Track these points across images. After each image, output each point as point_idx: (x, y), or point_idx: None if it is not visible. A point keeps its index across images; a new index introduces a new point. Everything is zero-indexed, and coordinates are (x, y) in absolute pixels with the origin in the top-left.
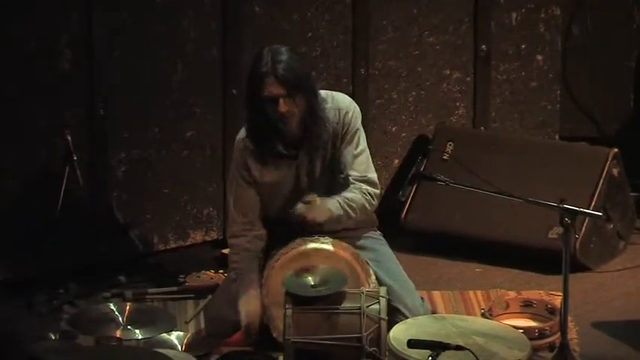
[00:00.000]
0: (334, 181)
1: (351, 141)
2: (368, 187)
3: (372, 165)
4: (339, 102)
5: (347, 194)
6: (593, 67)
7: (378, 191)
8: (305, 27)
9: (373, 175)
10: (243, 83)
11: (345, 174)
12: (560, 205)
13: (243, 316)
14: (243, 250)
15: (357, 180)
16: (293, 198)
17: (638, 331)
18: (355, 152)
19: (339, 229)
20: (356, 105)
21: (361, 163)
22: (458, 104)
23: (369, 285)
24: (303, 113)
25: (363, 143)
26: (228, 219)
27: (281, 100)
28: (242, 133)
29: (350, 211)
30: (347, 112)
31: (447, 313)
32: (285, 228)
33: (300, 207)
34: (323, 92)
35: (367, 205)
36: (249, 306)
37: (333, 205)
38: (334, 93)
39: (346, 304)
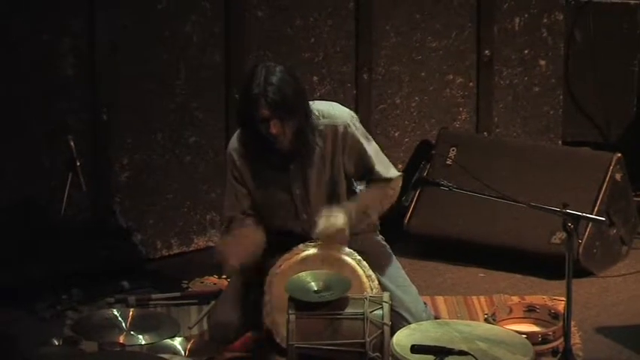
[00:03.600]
0: (334, 194)
1: (359, 154)
2: (389, 184)
3: (386, 161)
4: (335, 117)
5: (361, 193)
6: (596, 72)
7: (399, 183)
8: (308, 32)
9: (392, 172)
10: (238, 97)
11: (378, 177)
12: (563, 210)
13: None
14: (242, 225)
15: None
16: (286, 210)
17: None
18: (372, 159)
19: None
20: (353, 116)
21: (381, 162)
22: (461, 109)
23: (372, 290)
24: (294, 133)
25: (370, 148)
26: (224, 211)
27: (271, 122)
28: (233, 142)
29: (373, 205)
30: (345, 127)
31: (450, 318)
32: (282, 238)
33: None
34: (319, 105)
35: (389, 190)
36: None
37: (346, 207)
38: (330, 107)
39: (349, 310)
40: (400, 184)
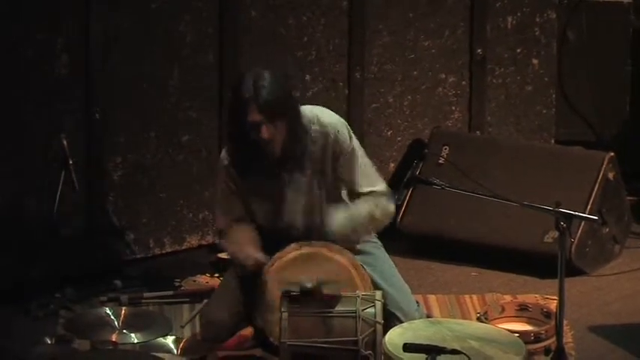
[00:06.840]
0: (327, 200)
1: (349, 161)
2: (378, 199)
3: (377, 175)
4: (325, 124)
5: (353, 207)
6: (589, 71)
7: (392, 204)
8: (301, 31)
9: (381, 186)
10: (225, 106)
11: (357, 191)
12: (556, 209)
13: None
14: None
15: (365, 194)
16: (274, 215)
17: (634, 335)
18: (357, 171)
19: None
20: (344, 122)
21: (366, 176)
22: (453, 108)
23: (365, 289)
24: (285, 136)
25: (362, 158)
26: (217, 223)
27: (263, 127)
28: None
29: (359, 222)
30: (336, 134)
31: (442, 317)
32: (274, 240)
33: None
34: (308, 111)
35: (377, 211)
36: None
37: (338, 219)
38: (320, 112)
39: (341, 308)
40: (390, 211)
